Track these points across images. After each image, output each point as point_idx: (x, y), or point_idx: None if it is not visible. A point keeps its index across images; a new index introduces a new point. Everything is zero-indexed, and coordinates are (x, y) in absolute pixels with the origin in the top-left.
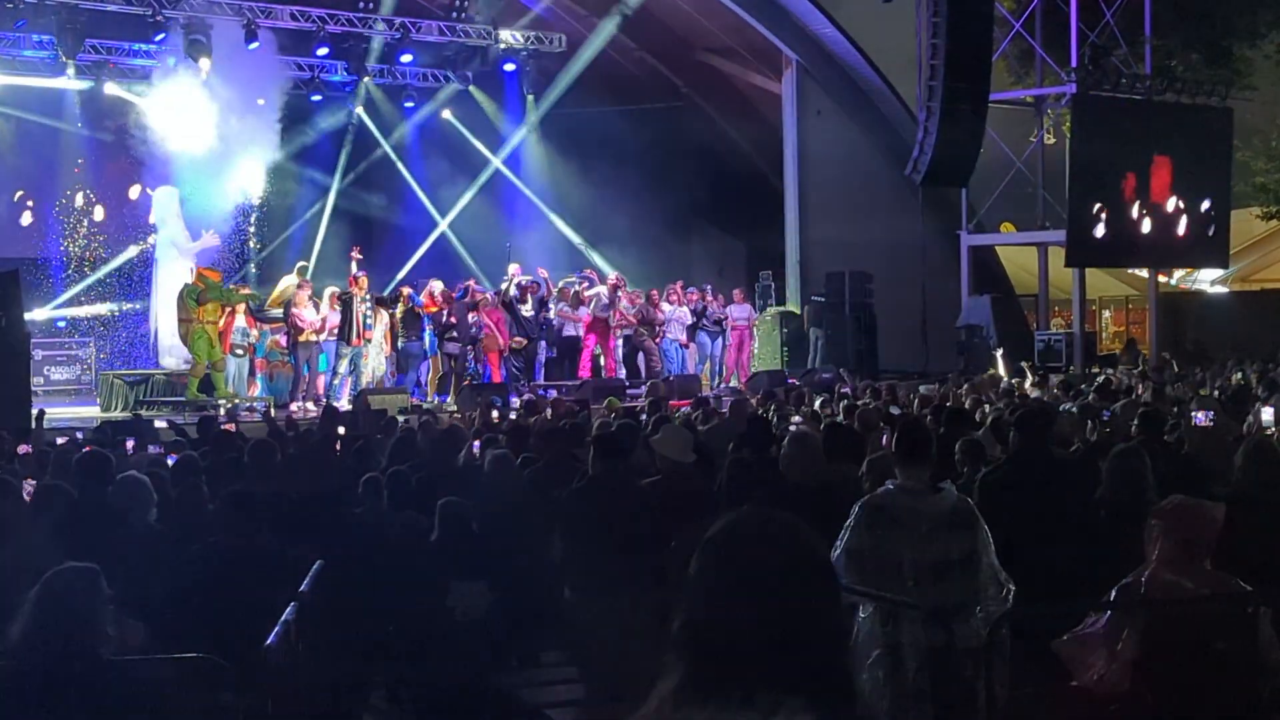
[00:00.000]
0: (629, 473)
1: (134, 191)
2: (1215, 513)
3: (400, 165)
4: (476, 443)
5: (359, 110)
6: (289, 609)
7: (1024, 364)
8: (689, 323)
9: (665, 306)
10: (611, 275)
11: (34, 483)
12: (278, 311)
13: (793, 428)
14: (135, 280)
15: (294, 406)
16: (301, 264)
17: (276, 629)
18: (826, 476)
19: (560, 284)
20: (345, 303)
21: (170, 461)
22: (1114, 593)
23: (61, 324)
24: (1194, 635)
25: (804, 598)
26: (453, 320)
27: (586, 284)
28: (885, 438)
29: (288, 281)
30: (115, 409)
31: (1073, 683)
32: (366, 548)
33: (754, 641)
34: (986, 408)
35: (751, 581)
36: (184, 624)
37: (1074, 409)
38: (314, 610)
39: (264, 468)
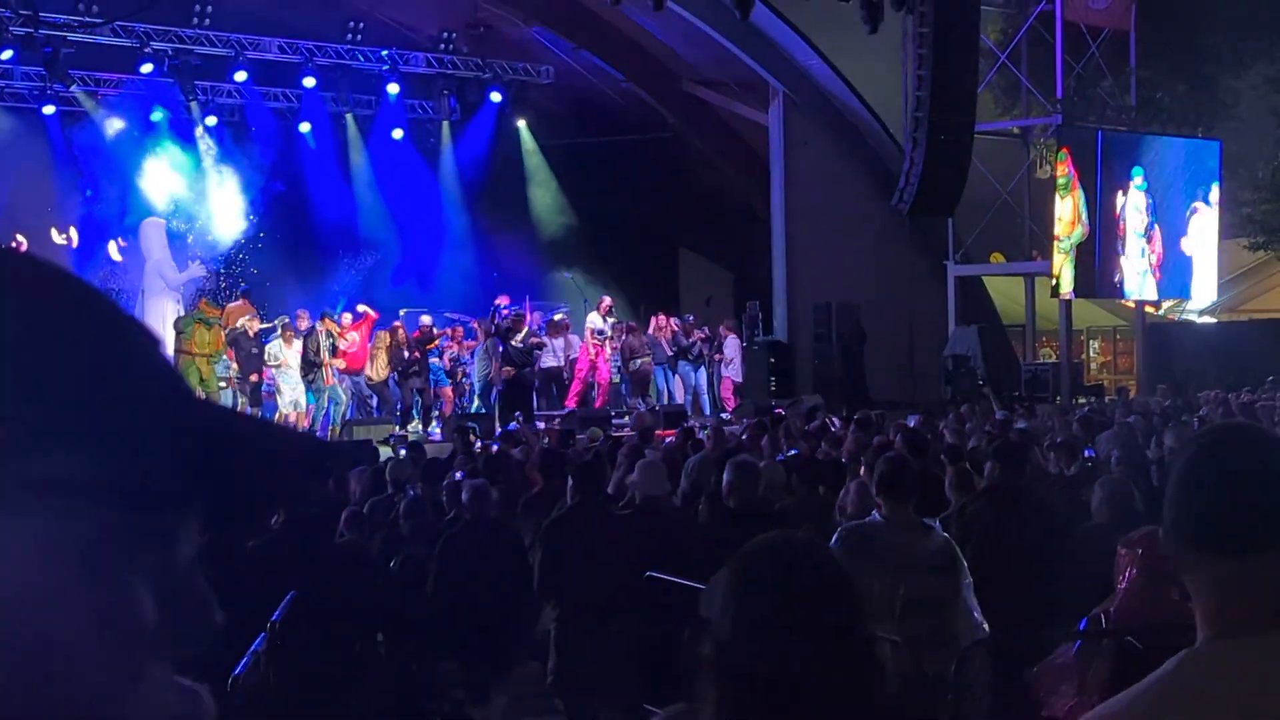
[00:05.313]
0: (608, 502)
1: (120, 223)
2: None
3: (386, 195)
4: (460, 472)
5: (346, 140)
6: (259, 639)
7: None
8: (668, 354)
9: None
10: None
11: None
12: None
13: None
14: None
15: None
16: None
17: (245, 659)
18: (770, 501)
19: (557, 316)
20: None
21: None
22: (1084, 622)
23: None
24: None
25: (832, 624)
26: (416, 356)
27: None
28: (864, 470)
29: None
30: None
31: (1044, 713)
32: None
33: (788, 669)
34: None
35: (782, 608)
36: None
37: None
38: (285, 640)
39: None
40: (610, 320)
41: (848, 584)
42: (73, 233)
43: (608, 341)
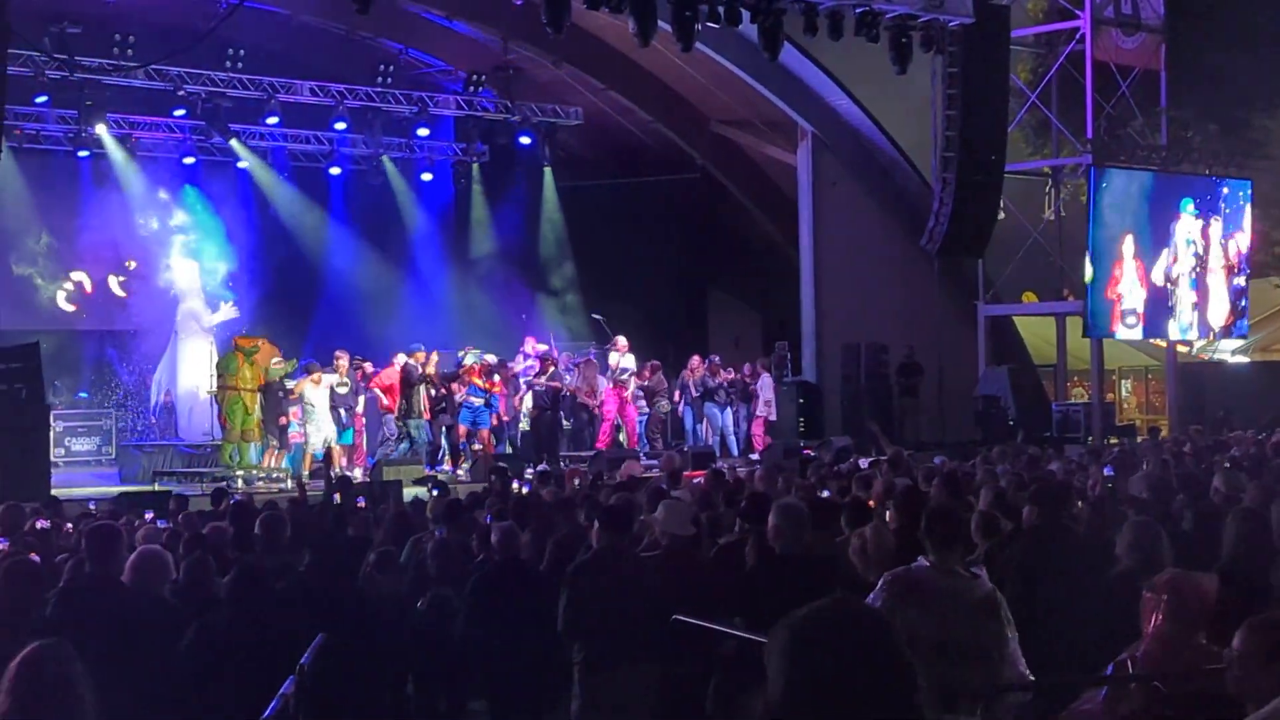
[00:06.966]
0: (632, 545)
1: (154, 264)
2: (1209, 585)
3: (416, 237)
4: (489, 514)
5: (376, 182)
6: (287, 682)
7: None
8: (694, 395)
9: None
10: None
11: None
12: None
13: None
14: (156, 352)
15: None
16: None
17: (274, 702)
18: (815, 547)
19: (587, 356)
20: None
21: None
22: (1110, 667)
23: (83, 395)
24: (1189, 710)
25: (885, 695)
26: (443, 393)
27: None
28: (889, 512)
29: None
30: (136, 480)
31: None
32: (372, 622)
33: None
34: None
35: (837, 674)
36: (187, 699)
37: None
38: (314, 683)
39: (274, 540)
40: (628, 358)
41: (907, 659)
42: (96, 275)
43: (633, 378)
